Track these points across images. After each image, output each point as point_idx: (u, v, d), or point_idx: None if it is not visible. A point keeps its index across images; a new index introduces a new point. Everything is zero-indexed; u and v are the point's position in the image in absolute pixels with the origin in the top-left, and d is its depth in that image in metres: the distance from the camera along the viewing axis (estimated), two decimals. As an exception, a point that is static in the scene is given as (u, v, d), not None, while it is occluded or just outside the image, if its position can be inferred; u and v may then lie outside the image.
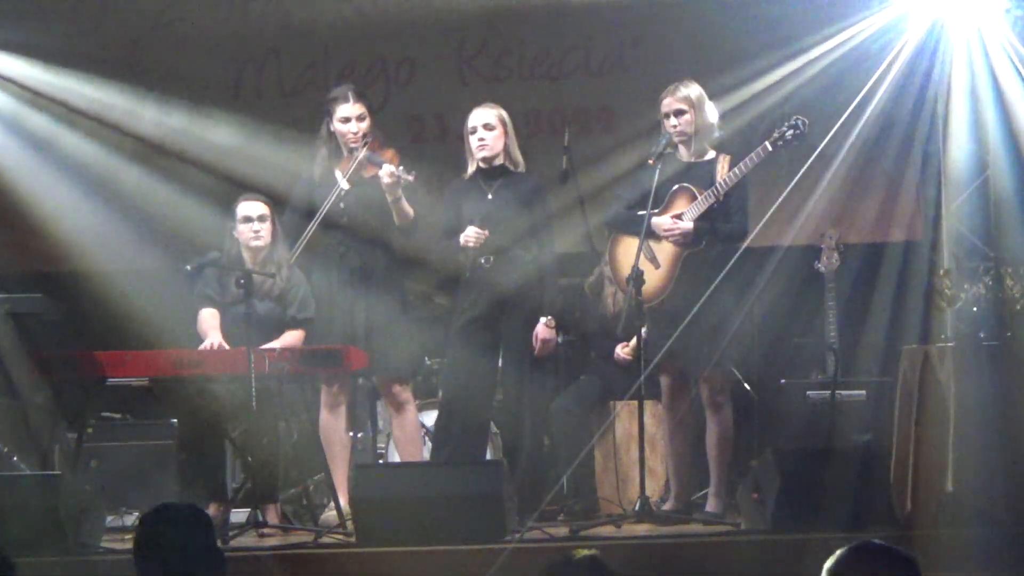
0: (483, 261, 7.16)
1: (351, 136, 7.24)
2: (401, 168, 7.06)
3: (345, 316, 7.18)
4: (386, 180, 7.06)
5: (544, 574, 3.28)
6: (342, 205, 7.20)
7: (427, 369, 8.39)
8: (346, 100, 7.27)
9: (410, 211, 7.19)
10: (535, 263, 7.21)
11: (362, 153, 7.18)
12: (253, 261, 7.33)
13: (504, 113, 7.24)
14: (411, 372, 7.47)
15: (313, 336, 7.27)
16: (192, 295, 7.42)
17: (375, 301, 7.18)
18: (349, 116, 7.25)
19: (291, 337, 7.31)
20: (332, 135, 7.30)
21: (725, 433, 7.03)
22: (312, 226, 7.15)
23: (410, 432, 7.31)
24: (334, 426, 7.28)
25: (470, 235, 7.14)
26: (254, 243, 7.31)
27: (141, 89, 8.66)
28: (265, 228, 7.33)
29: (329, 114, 7.29)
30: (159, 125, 8.68)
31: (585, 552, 3.32)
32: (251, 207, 7.36)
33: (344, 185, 7.19)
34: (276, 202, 7.51)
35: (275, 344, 7.14)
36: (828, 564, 3.37)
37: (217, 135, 8.49)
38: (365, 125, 7.26)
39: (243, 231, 7.33)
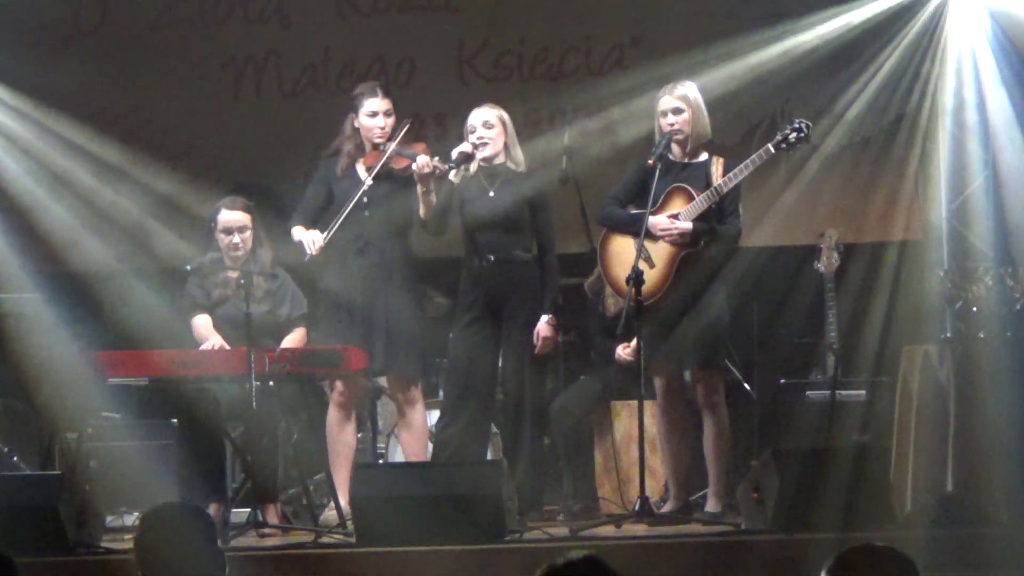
0: (484, 261, 7.15)
1: (378, 131, 7.25)
2: (437, 158, 7.08)
3: (364, 313, 7.17)
4: (423, 171, 7.07)
5: (542, 574, 3.26)
6: (365, 200, 7.19)
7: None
8: (374, 95, 7.28)
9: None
10: (535, 263, 7.20)
11: (391, 146, 7.19)
12: (232, 265, 7.29)
13: (504, 114, 7.24)
14: (426, 371, 7.46)
15: (332, 332, 7.21)
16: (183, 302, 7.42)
17: (394, 298, 7.19)
18: (377, 111, 7.26)
19: (297, 336, 7.32)
20: (356, 130, 7.30)
21: (722, 433, 7.03)
22: (337, 222, 7.12)
23: (418, 432, 7.30)
24: (342, 426, 7.26)
25: (465, 146, 7.12)
26: (233, 254, 7.28)
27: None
28: (245, 237, 7.29)
29: (355, 109, 7.29)
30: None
31: (584, 552, 3.31)
32: (231, 218, 7.30)
33: (369, 180, 7.20)
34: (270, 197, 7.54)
35: (282, 346, 7.15)
36: (827, 565, 3.36)
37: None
38: (392, 120, 7.27)
39: (223, 239, 7.30)
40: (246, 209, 7.35)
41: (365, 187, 7.15)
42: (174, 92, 8.76)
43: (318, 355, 7.04)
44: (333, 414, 7.26)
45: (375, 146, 7.25)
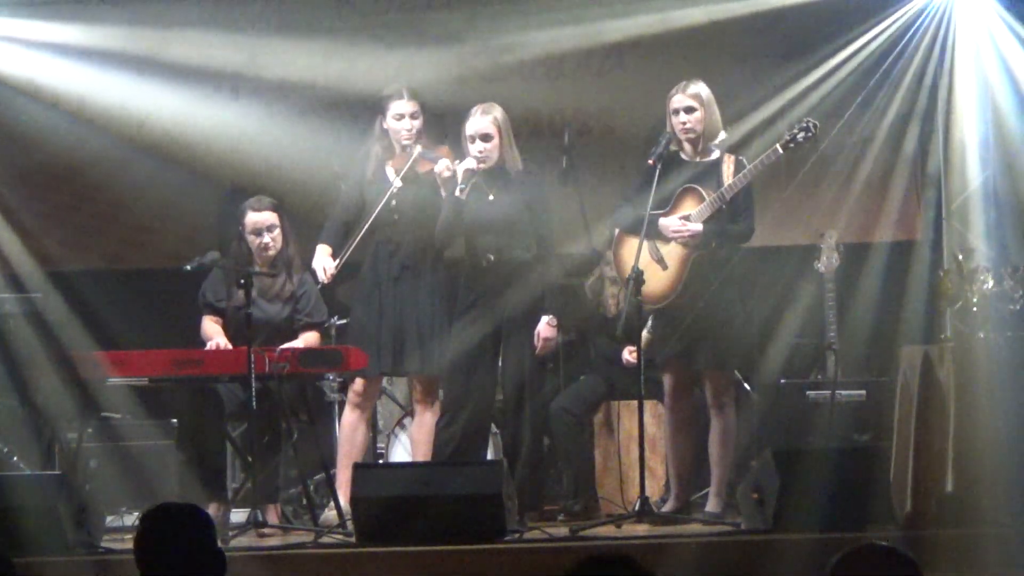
0: (484, 261, 7.15)
1: (405, 133, 7.26)
2: (457, 162, 7.09)
3: (395, 313, 7.20)
4: (444, 175, 7.08)
5: (571, 573, 3.24)
6: (394, 203, 7.21)
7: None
8: (400, 97, 7.29)
9: None
10: (536, 263, 7.20)
11: (416, 149, 7.19)
12: (263, 265, 7.30)
13: (499, 115, 7.18)
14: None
15: (362, 333, 7.23)
16: (196, 298, 7.41)
17: (424, 300, 7.20)
18: (403, 113, 7.27)
19: (309, 339, 7.31)
20: (385, 132, 7.31)
21: (728, 433, 7.04)
22: (366, 225, 7.16)
23: (429, 430, 7.31)
24: (357, 427, 7.27)
25: (470, 162, 7.11)
26: (264, 254, 7.30)
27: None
28: (274, 237, 7.31)
29: (382, 111, 7.31)
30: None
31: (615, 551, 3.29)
32: (260, 218, 7.31)
33: (397, 183, 7.20)
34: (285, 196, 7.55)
35: (295, 344, 7.16)
36: (830, 563, 3.36)
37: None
38: (419, 122, 7.28)
39: (254, 241, 7.30)
40: (273, 208, 7.36)
41: (392, 190, 7.17)
42: (174, 92, 8.75)
43: (318, 355, 7.04)
44: (349, 415, 7.29)
45: (402, 148, 7.26)
